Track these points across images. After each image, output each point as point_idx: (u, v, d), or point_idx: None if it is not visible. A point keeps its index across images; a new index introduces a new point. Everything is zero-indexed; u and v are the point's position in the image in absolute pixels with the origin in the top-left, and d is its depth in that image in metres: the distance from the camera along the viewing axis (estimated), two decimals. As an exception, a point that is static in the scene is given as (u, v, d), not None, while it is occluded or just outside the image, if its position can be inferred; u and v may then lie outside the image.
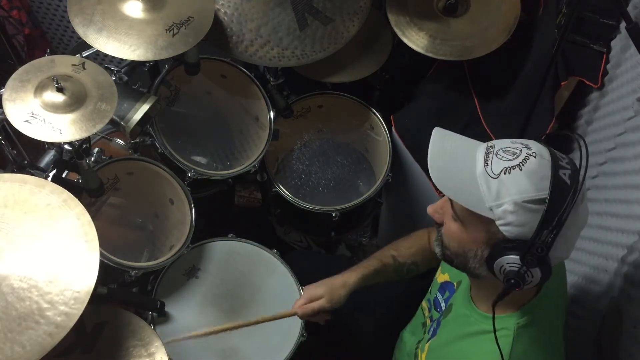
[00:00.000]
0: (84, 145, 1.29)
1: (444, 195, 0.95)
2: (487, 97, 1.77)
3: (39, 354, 0.96)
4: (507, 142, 0.91)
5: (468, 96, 1.79)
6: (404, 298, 1.47)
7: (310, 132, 1.93)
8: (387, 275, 1.35)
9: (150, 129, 1.50)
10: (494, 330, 0.92)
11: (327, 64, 1.69)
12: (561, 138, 1.52)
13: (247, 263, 1.58)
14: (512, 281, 0.88)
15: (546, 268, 0.86)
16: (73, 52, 1.44)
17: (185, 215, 1.52)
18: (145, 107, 1.38)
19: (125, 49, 1.30)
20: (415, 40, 1.65)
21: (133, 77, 1.52)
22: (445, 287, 1.22)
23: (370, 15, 1.69)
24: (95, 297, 1.06)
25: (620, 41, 1.46)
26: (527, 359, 0.97)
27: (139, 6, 1.35)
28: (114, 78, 1.42)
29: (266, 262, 1.58)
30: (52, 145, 1.33)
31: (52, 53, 1.29)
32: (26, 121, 1.13)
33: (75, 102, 1.17)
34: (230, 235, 1.61)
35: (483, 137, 0.97)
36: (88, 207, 1.13)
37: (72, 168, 1.36)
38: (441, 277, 1.25)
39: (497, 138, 0.96)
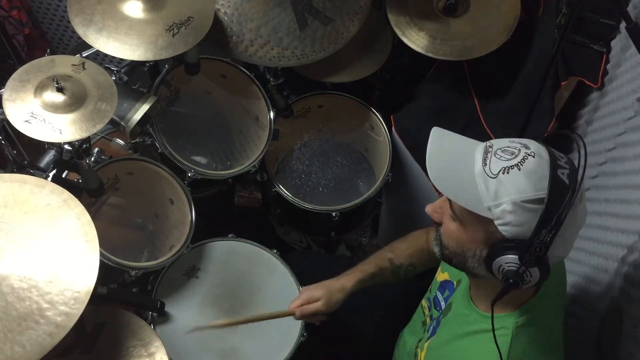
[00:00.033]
0: (84, 145, 1.29)
1: (443, 194, 0.95)
2: (487, 97, 1.77)
3: (39, 354, 0.96)
4: (506, 142, 0.91)
5: (468, 96, 1.79)
6: (404, 298, 1.47)
7: (310, 132, 1.93)
8: (384, 278, 1.35)
9: (150, 129, 1.50)
10: (493, 330, 0.92)
11: (327, 64, 1.69)
12: (561, 138, 1.52)
13: (247, 263, 1.58)
14: (511, 281, 0.88)
15: (545, 268, 0.86)
16: (73, 52, 1.44)
17: (185, 215, 1.52)
18: (145, 107, 1.38)
19: (125, 49, 1.30)
20: (415, 40, 1.65)
21: (133, 77, 1.52)
22: (445, 285, 1.22)
23: (370, 15, 1.69)
24: (95, 297, 1.06)
25: (620, 41, 1.46)
26: (526, 358, 0.97)
27: (139, 6, 1.35)
28: (114, 78, 1.42)
29: (266, 262, 1.58)
30: (52, 145, 1.33)
31: (52, 53, 1.29)
32: (26, 121, 1.13)
33: (75, 102, 1.17)
34: (230, 235, 1.61)
35: (483, 137, 0.97)
36: (88, 207, 1.13)
37: (72, 168, 1.36)
38: (441, 275, 1.25)
39: (497, 138, 0.96)
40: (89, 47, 1.35)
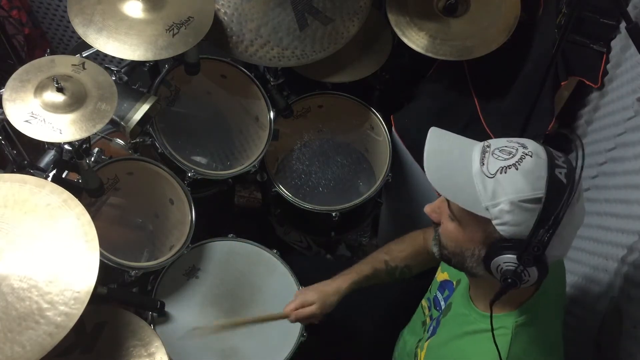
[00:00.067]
0: (84, 145, 1.29)
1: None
2: (487, 97, 1.77)
3: (39, 354, 0.97)
4: (503, 142, 0.91)
5: (468, 96, 1.79)
6: (404, 298, 1.47)
7: (310, 132, 1.93)
8: (379, 279, 1.36)
9: (150, 129, 1.50)
10: (492, 329, 0.93)
11: (327, 64, 1.69)
12: (561, 137, 1.52)
13: (247, 263, 1.58)
14: (509, 280, 0.88)
15: (543, 267, 0.86)
16: (73, 52, 1.44)
17: (185, 215, 1.52)
18: (145, 107, 1.38)
19: (125, 49, 1.30)
20: (415, 40, 1.65)
21: (133, 77, 1.52)
22: (444, 285, 1.22)
23: (370, 15, 1.69)
24: (95, 297, 1.06)
25: (620, 41, 1.46)
26: (526, 357, 0.97)
27: (139, 6, 1.35)
28: (114, 78, 1.42)
29: (266, 262, 1.58)
30: (52, 145, 1.33)
31: (52, 53, 1.29)
32: (26, 121, 1.13)
33: (75, 102, 1.17)
34: (230, 235, 1.61)
35: (483, 137, 0.97)
36: (88, 207, 1.13)
37: (72, 168, 1.36)
38: (441, 275, 1.26)
39: (497, 138, 0.96)
40: (89, 47, 1.35)
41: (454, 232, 0.96)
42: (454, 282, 1.19)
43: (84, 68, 1.23)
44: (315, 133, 1.94)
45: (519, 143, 0.89)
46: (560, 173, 0.85)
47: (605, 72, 1.50)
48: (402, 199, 1.98)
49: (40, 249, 1.06)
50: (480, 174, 0.88)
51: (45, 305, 1.00)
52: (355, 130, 1.92)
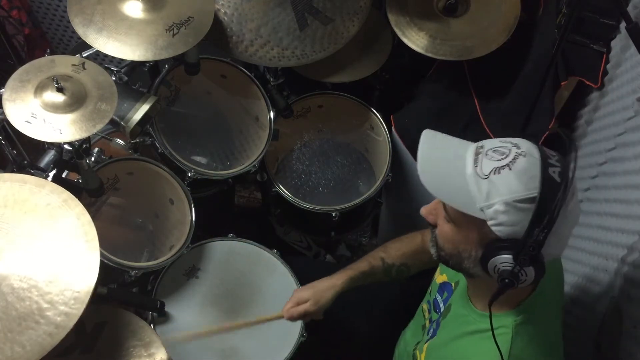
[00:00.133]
0: (84, 145, 1.29)
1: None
2: (487, 97, 1.77)
3: (39, 354, 0.97)
4: (497, 142, 0.91)
5: (468, 96, 1.79)
6: (404, 298, 1.47)
7: (310, 132, 1.93)
8: (376, 277, 1.35)
9: (150, 129, 1.50)
10: (492, 329, 0.93)
11: (327, 64, 1.69)
12: (560, 137, 1.52)
13: (247, 263, 1.58)
14: (507, 280, 0.88)
15: (540, 266, 0.87)
16: (73, 52, 1.44)
17: (185, 215, 1.52)
18: (145, 107, 1.38)
19: (125, 49, 1.30)
20: (415, 40, 1.65)
21: (133, 77, 1.52)
22: (443, 287, 1.22)
23: (370, 15, 1.69)
24: (95, 297, 1.06)
25: (620, 41, 1.46)
26: (526, 356, 0.97)
27: (139, 6, 1.35)
28: (114, 78, 1.42)
29: (266, 262, 1.58)
30: (52, 145, 1.33)
31: (52, 53, 1.29)
32: (26, 121, 1.13)
33: (75, 102, 1.17)
34: (230, 235, 1.61)
35: (483, 137, 0.97)
36: (88, 207, 1.13)
37: (72, 168, 1.36)
38: (440, 278, 1.25)
39: (496, 138, 0.95)
40: (89, 47, 1.35)
41: (450, 233, 0.96)
42: (453, 284, 1.19)
43: (84, 68, 1.23)
44: (315, 133, 1.94)
45: (512, 143, 0.89)
46: (554, 172, 0.85)
47: (605, 72, 1.50)
48: (402, 199, 1.98)
49: (40, 249, 1.06)
50: (474, 175, 0.88)
51: (45, 305, 1.00)
52: (355, 130, 1.92)
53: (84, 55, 1.44)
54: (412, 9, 1.69)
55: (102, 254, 1.25)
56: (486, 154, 0.89)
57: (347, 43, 1.65)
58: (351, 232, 2.06)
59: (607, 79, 1.51)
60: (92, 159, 1.44)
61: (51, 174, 1.30)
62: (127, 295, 1.43)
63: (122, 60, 1.43)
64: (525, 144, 0.89)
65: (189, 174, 1.53)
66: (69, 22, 1.43)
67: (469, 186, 0.87)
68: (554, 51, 1.46)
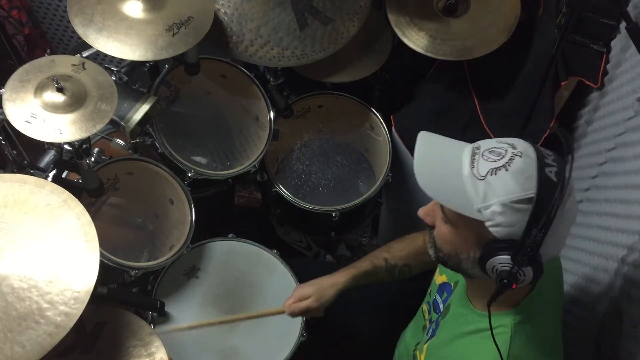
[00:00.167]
0: (84, 145, 1.29)
1: None
2: (487, 97, 1.76)
3: (39, 354, 0.96)
4: (493, 142, 0.91)
5: (468, 96, 1.79)
6: (404, 298, 1.47)
7: (310, 132, 1.93)
8: (379, 277, 1.35)
9: (150, 129, 1.50)
10: (491, 329, 0.93)
11: (327, 64, 1.69)
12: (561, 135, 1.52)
13: (247, 263, 1.58)
14: (505, 281, 0.88)
15: (538, 266, 0.87)
16: (73, 52, 1.44)
17: (185, 215, 1.52)
18: (145, 107, 1.38)
19: (125, 49, 1.30)
20: (415, 40, 1.65)
21: (133, 77, 1.52)
22: (443, 288, 1.22)
23: (370, 15, 1.69)
24: (95, 297, 1.06)
25: (620, 41, 1.46)
26: (525, 355, 0.97)
27: (139, 6, 1.35)
28: (114, 78, 1.42)
29: (266, 262, 1.58)
30: (52, 145, 1.33)
31: (52, 53, 1.29)
32: (26, 121, 1.13)
33: (75, 102, 1.17)
34: (230, 235, 1.61)
35: (483, 137, 0.97)
36: (88, 207, 1.13)
37: (72, 168, 1.36)
38: (439, 278, 1.26)
39: (496, 138, 0.95)
40: (89, 47, 1.35)
41: (448, 234, 0.96)
42: (452, 284, 1.19)
43: (84, 68, 1.23)
44: (315, 133, 1.94)
45: (508, 143, 0.89)
46: (551, 172, 0.85)
47: (605, 72, 1.50)
48: (402, 199, 1.98)
49: (40, 249, 1.06)
50: (471, 176, 0.88)
51: (45, 305, 1.00)
52: (355, 130, 1.92)
53: (84, 55, 1.44)
54: (412, 9, 1.69)
55: (102, 254, 1.25)
56: (482, 155, 0.89)
57: (347, 43, 1.65)
58: (351, 232, 2.06)
59: (607, 79, 1.51)
60: (92, 159, 1.44)
61: (51, 174, 1.30)
62: (127, 295, 1.43)
63: (122, 60, 1.43)
64: (521, 144, 0.89)
65: (189, 174, 1.53)
66: (69, 22, 1.43)
67: (466, 187, 0.88)
68: (554, 51, 1.46)
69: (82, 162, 1.27)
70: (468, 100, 1.78)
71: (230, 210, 2.17)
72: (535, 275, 0.88)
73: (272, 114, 1.66)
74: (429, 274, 1.33)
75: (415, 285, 1.41)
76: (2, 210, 1.08)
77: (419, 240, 1.37)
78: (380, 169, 1.82)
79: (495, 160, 0.87)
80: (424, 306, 1.31)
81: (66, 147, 1.34)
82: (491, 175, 0.86)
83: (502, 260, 0.87)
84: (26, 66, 1.20)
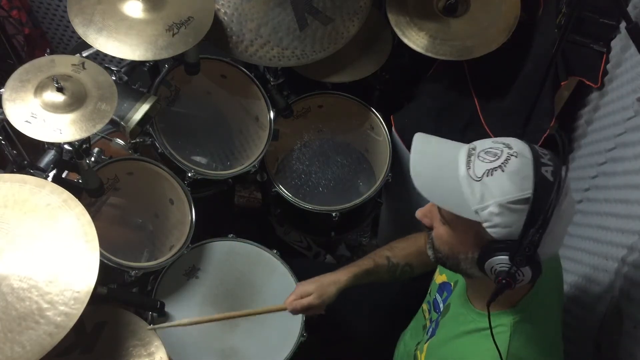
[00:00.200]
0: (84, 145, 1.29)
1: None
2: (487, 97, 1.76)
3: (39, 354, 0.97)
4: (489, 143, 0.91)
5: (468, 96, 1.79)
6: (404, 299, 1.47)
7: (310, 132, 1.93)
8: (380, 276, 1.35)
9: (150, 129, 1.50)
10: (490, 329, 0.93)
11: (327, 64, 1.69)
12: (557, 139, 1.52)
13: (247, 263, 1.58)
14: (504, 281, 0.88)
15: (536, 266, 0.87)
16: (73, 52, 1.44)
17: (185, 215, 1.52)
18: (145, 107, 1.38)
19: (125, 49, 1.30)
20: (415, 40, 1.65)
21: (133, 77, 1.52)
22: (443, 287, 1.22)
23: (370, 15, 1.69)
24: (95, 297, 1.06)
25: (620, 41, 1.46)
26: (525, 354, 0.97)
27: (139, 6, 1.35)
28: (114, 78, 1.42)
29: (266, 262, 1.58)
30: (52, 145, 1.33)
31: (52, 53, 1.29)
32: (26, 121, 1.13)
33: (75, 102, 1.17)
34: (230, 235, 1.61)
35: (483, 137, 0.97)
36: (88, 207, 1.13)
37: (72, 168, 1.36)
38: (439, 278, 1.26)
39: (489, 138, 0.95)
40: (89, 47, 1.35)
41: (446, 235, 0.96)
42: (452, 284, 1.19)
43: (84, 68, 1.23)
44: (315, 133, 1.94)
45: (504, 144, 0.89)
46: (547, 171, 0.85)
47: (605, 72, 1.50)
48: (402, 199, 1.98)
49: (40, 249, 1.06)
50: (467, 177, 0.88)
51: (45, 305, 1.00)
52: (355, 130, 1.92)
53: (84, 55, 1.44)
54: (412, 9, 1.69)
55: (102, 254, 1.25)
56: (478, 156, 0.89)
57: (347, 43, 1.65)
58: (351, 232, 2.06)
59: (607, 79, 1.51)
60: (92, 159, 1.45)
61: (51, 174, 1.31)
62: (127, 295, 1.43)
63: (122, 60, 1.44)
64: (517, 144, 0.89)
65: (189, 174, 1.53)
66: (69, 22, 1.43)
67: (463, 189, 0.88)
68: (554, 51, 1.46)
69: (82, 162, 1.27)
70: (468, 100, 1.78)
71: (230, 210, 2.17)
72: (533, 275, 0.88)
73: (272, 114, 1.66)
74: (429, 274, 1.33)
75: (416, 286, 1.41)
76: (2, 210, 1.08)
77: (420, 240, 1.37)
78: (380, 169, 1.82)
79: (491, 161, 0.87)
80: (424, 306, 1.31)
81: (66, 147, 1.34)
82: (487, 176, 0.86)
83: (501, 261, 0.88)
84: (26, 66, 1.20)
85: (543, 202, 0.83)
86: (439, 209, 0.96)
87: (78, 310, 1.01)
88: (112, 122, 1.30)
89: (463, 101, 1.78)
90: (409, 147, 1.79)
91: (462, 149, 0.93)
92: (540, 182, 0.84)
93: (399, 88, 1.99)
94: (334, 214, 1.71)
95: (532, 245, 0.84)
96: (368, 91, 1.98)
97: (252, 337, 1.45)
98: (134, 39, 1.31)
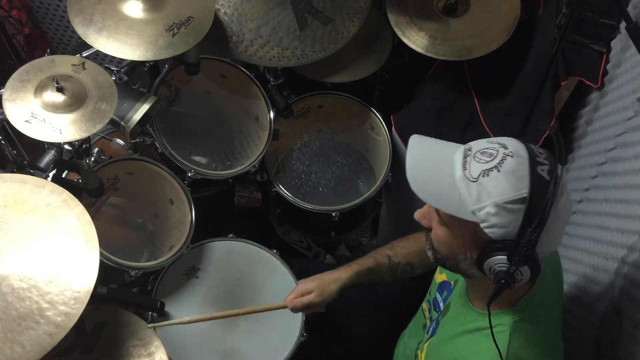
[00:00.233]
0: (84, 145, 1.29)
1: None
2: (487, 97, 1.76)
3: (39, 354, 0.97)
4: (484, 143, 0.91)
5: (468, 96, 1.79)
6: (404, 299, 1.47)
7: (310, 132, 1.93)
8: (381, 275, 1.35)
9: (150, 129, 1.50)
10: (491, 329, 0.93)
11: (327, 64, 1.69)
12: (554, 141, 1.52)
13: (247, 263, 1.58)
14: (503, 281, 0.88)
15: (535, 265, 0.87)
16: (73, 52, 1.44)
17: (185, 215, 1.52)
18: (145, 107, 1.38)
19: (125, 49, 1.30)
20: (415, 40, 1.65)
21: (133, 77, 1.52)
22: (443, 286, 1.22)
23: (370, 15, 1.69)
24: (95, 297, 1.06)
25: (620, 41, 1.46)
26: (525, 353, 0.97)
27: (139, 6, 1.35)
28: (114, 78, 1.42)
29: (266, 262, 1.58)
30: (52, 145, 1.33)
31: (52, 53, 1.29)
32: (26, 121, 1.13)
33: (75, 102, 1.17)
34: (230, 235, 1.61)
35: (483, 137, 0.97)
36: (88, 207, 1.13)
37: (72, 168, 1.36)
38: (439, 277, 1.26)
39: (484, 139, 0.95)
40: (89, 47, 1.35)
41: (444, 236, 0.96)
42: (452, 283, 1.19)
43: (84, 68, 1.23)
44: (315, 133, 1.94)
45: (499, 144, 0.89)
46: (543, 170, 0.85)
47: (605, 72, 1.50)
48: (402, 199, 1.98)
49: (40, 249, 1.06)
50: (464, 178, 0.88)
51: (45, 305, 1.00)
52: (355, 130, 1.92)
53: (84, 55, 1.44)
54: (412, 9, 1.69)
55: (102, 254, 1.25)
56: (474, 157, 0.89)
57: (347, 43, 1.65)
58: (351, 232, 2.06)
59: (607, 79, 1.51)
60: (92, 159, 1.44)
61: (51, 174, 1.31)
62: (127, 295, 1.43)
63: (122, 60, 1.44)
64: (512, 144, 0.89)
65: (189, 174, 1.53)
66: (69, 22, 1.43)
67: (459, 190, 0.88)
68: (554, 51, 1.46)
69: (82, 162, 1.27)
70: (468, 100, 1.78)
71: (230, 210, 2.17)
72: (532, 274, 0.88)
73: (272, 114, 1.66)
74: (429, 273, 1.33)
75: (416, 285, 1.41)
76: (2, 210, 1.08)
77: (421, 239, 1.36)
78: (380, 169, 1.82)
79: (487, 162, 0.87)
80: (424, 305, 1.31)
81: (66, 147, 1.34)
82: (483, 176, 0.86)
83: (499, 261, 0.88)
84: (26, 66, 1.20)
85: (540, 201, 0.83)
86: (437, 210, 0.96)
87: (78, 310, 1.01)
88: (112, 122, 1.30)
89: (463, 101, 1.78)
90: (408, 147, 1.80)
91: (458, 150, 0.93)
92: (536, 181, 0.84)
93: (399, 88, 1.99)
94: (334, 214, 1.71)
95: (530, 244, 0.84)
96: (368, 91, 1.98)
97: (253, 337, 1.45)
98: (134, 39, 1.31)
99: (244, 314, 1.37)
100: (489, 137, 0.95)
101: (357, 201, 1.73)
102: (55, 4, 2.11)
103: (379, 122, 1.84)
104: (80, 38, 1.29)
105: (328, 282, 1.29)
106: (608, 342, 1.19)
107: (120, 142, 1.61)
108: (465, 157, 0.90)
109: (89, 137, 1.23)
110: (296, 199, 1.73)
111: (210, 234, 1.60)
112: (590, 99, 1.62)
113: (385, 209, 2.10)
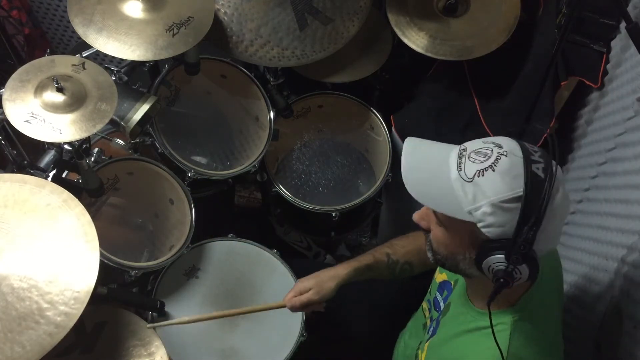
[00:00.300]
0: (84, 145, 1.29)
1: None
2: (487, 97, 1.76)
3: (39, 354, 0.97)
4: (479, 143, 0.92)
5: (468, 96, 1.79)
6: (404, 298, 1.47)
7: (310, 132, 1.93)
8: (380, 272, 1.34)
9: (150, 129, 1.50)
10: (492, 328, 0.93)
11: (327, 64, 1.69)
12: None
13: (247, 263, 1.58)
14: (502, 280, 0.88)
15: (533, 263, 0.87)
16: (73, 52, 1.44)
17: (185, 215, 1.52)
18: (145, 107, 1.38)
19: (125, 49, 1.30)
20: (415, 40, 1.65)
21: (133, 77, 1.52)
22: (443, 286, 1.22)
23: (370, 15, 1.69)
24: (95, 297, 1.06)
25: (620, 41, 1.46)
26: (525, 353, 0.97)
27: (139, 6, 1.35)
28: (114, 78, 1.42)
29: (266, 262, 1.58)
30: (52, 145, 1.33)
31: (52, 53, 1.30)
32: (26, 121, 1.13)
33: (75, 102, 1.17)
34: (230, 235, 1.61)
35: (483, 137, 0.97)
36: (88, 207, 1.13)
37: (72, 168, 1.36)
38: (439, 276, 1.26)
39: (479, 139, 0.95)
40: (89, 47, 1.35)
41: (443, 237, 0.97)
42: (452, 282, 1.19)
43: (84, 68, 1.23)
44: (315, 133, 1.94)
45: (494, 143, 0.90)
46: (538, 168, 0.85)
47: (605, 72, 1.50)
48: (402, 199, 1.98)
49: (40, 249, 1.06)
50: (459, 179, 0.88)
51: (45, 305, 1.00)
52: (355, 130, 1.92)
53: (84, 55, 1.44)
54: (412, 9, 1.69)
55: (102, 254, 1.25)
56: (469, 157, 0.89)
57: (347, 43, 1.65)
58: (351, 232, 2.06)
59: (607, 79, 1.51)
60: (92, 159, 1.44)
61: (51, 174, 1.31)
62: (127, 295, 1.43)
63: (122, 60, 1.44)
64: (507, 143, 0.89)
65: (189, 174, 1.53)
66: (69, 22, 1.43)
67: (455, 191, 0.88)
68: (554, 51, 1.46)
69: (82, 162, 1.27)
70: (468, 100, 1.78)
71: (230, 210, 2.17)
72: (531, 273, 0.88)
73: (272, 114, 1.66)
74: (429, 273, 1.33)
75: (416, 285, 1.41)
76: (2, 210, 1.08)
77: (420, 238, 1.36)
78: (380, 169, 1.82)
79: (482, 161, 0.87)
80: (425, 304, 1.31)
81: (66, 147, 1.34)
82: (479, 176, 0.86)
83: (497, 260, 0.88)
84: (26, 66, 1.20)
85: (535, 200, 0.83)
86: (434, 211, 0.96)
87: (78, 310, 1.01)
88: (112, 122, 1.30)
89: (463, 101, 1.78)
90: (409, 147, 1.79)
91: (453, 151, 0.93)
92: (531, 179, 0.84)
93: (399, 88, 1.99)
94: (334, 214, 1.71)
95: (527, 242, 0.84)
96: (368, 91, 1.98)
97: (252, 337, 1.45)
98: (134, 39, 1.31)
99: (243, 313, 1.37)
100: (489, 137, 0.95)
101: (357, 201, 1.73)
102: (55, 4, 2.11)
103: (379, 122, 1.84)
104: (80, 38, 1.29)
105: (326, 279, 1.29)
106: (608, 342, 1.19)
107: (120, 142, 1.61)
108: (460, 157, 0.90)
109: (89, 137, 1.23)
110: (296, 199, 1.73)
111: (210, 234, 1.60)
112: (590, 99, 1.62)
113: (385, 209, 2.10)
